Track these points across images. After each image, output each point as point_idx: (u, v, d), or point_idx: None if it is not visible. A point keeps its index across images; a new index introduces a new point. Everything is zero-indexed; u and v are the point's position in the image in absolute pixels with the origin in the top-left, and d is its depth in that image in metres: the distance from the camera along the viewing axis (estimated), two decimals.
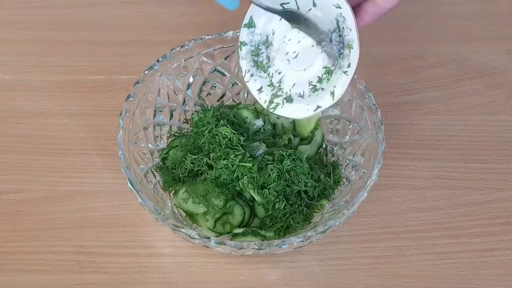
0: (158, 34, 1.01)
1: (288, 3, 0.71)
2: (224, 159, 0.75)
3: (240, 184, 0.75)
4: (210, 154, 0.77)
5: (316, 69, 0.72)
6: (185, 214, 0.77)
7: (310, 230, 0.69)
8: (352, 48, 0.69)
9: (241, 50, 0.76)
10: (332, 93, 0.71)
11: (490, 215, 0.82)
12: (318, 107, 0.73)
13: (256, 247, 0.67)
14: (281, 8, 0.71)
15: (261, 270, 0.78)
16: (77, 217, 0.81)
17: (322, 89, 0.72)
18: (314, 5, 0.70)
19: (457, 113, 0.92)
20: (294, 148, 0.81)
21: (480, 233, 0.81)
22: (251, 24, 0.75)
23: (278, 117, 0.83)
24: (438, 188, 0.85)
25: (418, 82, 0.96)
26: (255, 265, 0.78)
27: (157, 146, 0.82)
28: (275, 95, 0.76)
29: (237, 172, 0.75)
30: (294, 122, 0.83)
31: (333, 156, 0.83)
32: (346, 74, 0.70)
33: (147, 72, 0.79)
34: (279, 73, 0.76)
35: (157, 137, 0.82)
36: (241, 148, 0.76)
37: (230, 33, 0.82)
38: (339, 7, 0.68)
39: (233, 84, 0.87)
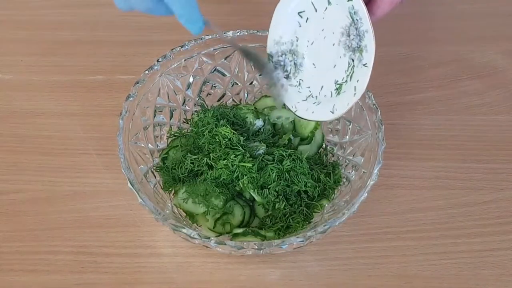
0: (158, 34, 1.01)
1: (304, 11, 0.74)
2: (224, 159, 0.75)
3: (240, 184, 0.75)
4: (210, 154, 0.77)
5: (340, 67, 0.73)
6: (185, 214, 0.77)
7: (310, 230, 0.69)
8: (366, 36, 0.69)
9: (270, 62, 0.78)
10: (355, 88, 0.71)
11: (490, 215, 0.82)
12: (347, 105, 0.72)
13: (256, 247, 0.67)
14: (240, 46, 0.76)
15: (261, 270, 0.78)
16: (77, 217, 0.81)
17: (347, 86, 0.72)
18: (329, 3, 0.71)
19: (457, 113, 0.92)
20: (294, 148, 0.81)
21: (480, 233, 0.81)
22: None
23: (279, 117, 0.83)
24: (438, 188, 0.85)
25: (418, 82, 0.96)
26: (255, 265, 0.78)
27: (157, 146, 0.82)
28: (305, 101, 0.76)
29: (237, 172, 0.75)
30: (294, 122, 0.83)
31: (333, 156, 0.83)
32: (366, 66, 0.70)
33: (147, 72, 0.79)
34: (307, 78, 0.77)
35: (157, 137, 0.83)
36: (241, 148, 0.76)
37: (230, 33, 0.82)
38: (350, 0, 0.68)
39: (233, 84, 0.87)
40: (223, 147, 0.76)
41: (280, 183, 0.75)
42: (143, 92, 0.79)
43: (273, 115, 0.84)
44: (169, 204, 0.77)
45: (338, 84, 0.73)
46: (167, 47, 0.82)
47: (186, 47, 0.81)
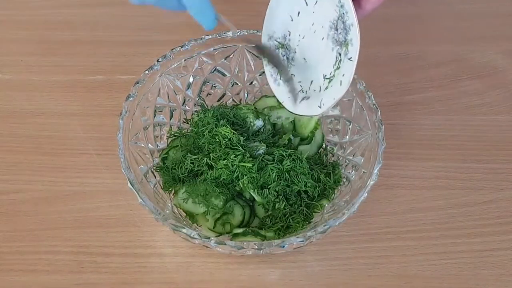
0: (158, 34, 1.01)
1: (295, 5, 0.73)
2: (224, 159, 0.75)
3: (240, 184, 0.75)
4: (210, 154, 0.77)
5: (329, 61, 0.73)
6: (185, 214, 0.77)
7: (310, 230, 0.69)
8: (352, 30, 0.68)
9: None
10: (341, 82, 0.71)
11: (490, 215, 0.82)
12: (333, 99, 0.72)
13: (256, 247, 0.67)
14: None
15: (261, 270, 0.78)
16: (77, 217, 0.81)
17: (334, 80, 0.72)
18: None
19: (457, 113, 0.92)
20: (294, 148, 0.81)
21: (480, 233, 0.81)
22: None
23: (279, 117, 0.83)
24: (438, 188, 0.85)
25: (418, 82, 0.96)
26: (255, 265, 0.78)
27: (157, 146, 0.82)
28: (297, 96, 0.77)
29: (237, 172, 0.75)
30: (294, 122, 0.83)
31: (333, 156, 0.83)
32: (351, 60, 0.69)
33: (147, 72, 0.79)
34: (298, 73, 0.77)
35: (157, 137, 0.82)
36: (241, 148, 0.76)
37: (230, 33, 0.82)
38: None
39: (233, 84, 0.87)
40: (223, 147, 0.76)
41: (280, 183, 0.75)
42: (143, 92, 0.79)
43: (273, 115, 0.84)
44: (169, 204, 0.77)
45: (326, 78, 0.73)
46: (167, 47, 0.82)
47: (186, 47, 0.81)
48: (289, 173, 0.76)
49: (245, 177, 0.74)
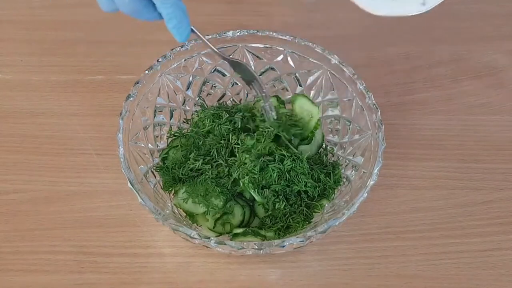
0: (158, 34, 1.01)
1: None
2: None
3: (241, 183, 0.75)
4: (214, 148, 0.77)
5: None
6: (185, 214, 0.77)
7: (310, 230, 0.69)
8: None
9: None
10: None
11: (490, 215, 0.82)
12: None
13: (256, 247, 0.67)
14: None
15: (261, 270, 0.78)
16: (77, 217, 0.81)
17: None
18: None
19: (457, 113, 0.92)
20: (295, 147, 0.81)
21: (480, 233, 0.81)
22: None
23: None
24: (438, 188, 0.85)
25: (418, 82, 0.96)
26: (255, 265, 0.78)
27: (157, 146, 0.82)
28: None
29: (237, 172, 0.75)
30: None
31: (333, 156, 0.83)
32: None
33: (147, 72, 0.79)
34: None
35: (157, 137, 0.83)
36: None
37: (230, 33, 0.82)
38: None
39: (233, 84, 0.87)
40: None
41: (280, 183, 0.75)
42: (143, 92, 0.79)
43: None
44: (169, 204, 0.77)
45: None
46: (167, 47, 0.82)
47: (186, 47, 0.81)
48: (289, 173, 0.76)
49: (246, 177, 0.74)
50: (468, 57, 0.99)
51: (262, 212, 0.78)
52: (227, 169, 0.76)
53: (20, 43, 1.00)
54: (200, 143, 0.80)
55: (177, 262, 0.78)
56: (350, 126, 0.81)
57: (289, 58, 0.84)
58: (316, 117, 0.81)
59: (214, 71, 0.85)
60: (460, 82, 0.96)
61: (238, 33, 0.82)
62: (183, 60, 0.82)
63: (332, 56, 0.81)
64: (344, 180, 0.79)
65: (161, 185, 0.79)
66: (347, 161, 0.80)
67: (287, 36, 0.82)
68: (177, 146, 0.81)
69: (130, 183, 0.70)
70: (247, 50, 0.84)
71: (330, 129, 0.85)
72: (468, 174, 0.86)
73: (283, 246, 0.68)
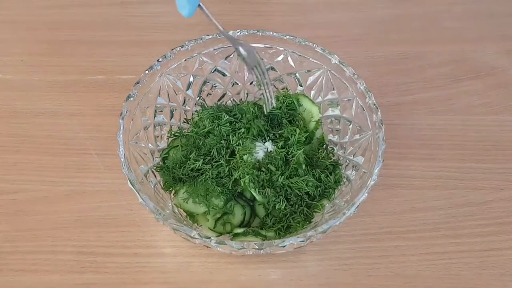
0: (158, 34, 1.01)
1: None
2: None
3: (242, 183, 0.75)
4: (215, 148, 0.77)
5: None
6: (185, 214, 0.77)
7: (311, 230, 0.69)
8: None
9: None
10: None
11: (490, 215, 0.82)
12: None
13: (257, 247, 0.67)
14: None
15: (261, 270, 0.78)
16: (77, 217, 0.81)
17: None
18: None
19: (457, 113, 0.92)
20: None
21: (480, 233, 0.81)
22: None
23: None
24: (438, 188, 0.85)
25: (418, 82, 0.96)
26: (256, 265, 0.78)
27: (158, 146, 0.82)
28: None
29: (238, 171, 0.75)
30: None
31: (333, 156, 0.83)
32: None
33: (147, 72, 0.79)
34: None
35: (157, 137, 0.82)
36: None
37: (230, 33, 0.82)
38: None
39: (233, 84, 0.87)
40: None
41: (282, 183, 0.76)
42: (143, 92, 0.79)
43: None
44: (170, 204, 0.77)
45: None
46: (167, 47, 0.82)
47: (186, 47, 0.81)
48: (290, 173, 0.76)
49: (246, 176, 0.74)
50: (468, 57, 0.99)
51: (263, 212, 0.78)
52: (227, 169, 0.76)
53: (20, 43, 1.00)
54: (201, 143, 0.80)
55: (177, 262, 0.78)
56: (351, 126, 0.81)
57: (289, 58, 0.84)
58: (316, 117, 0.81)
59: (214, 71, 0.85)
60: (460, 82, 0.96)
61: (238, 33, 0.82)
62: (183, 60, 0.82)
63: (333, 56, 0.81)
64: (345, 180, 0.79)
65: (162, 185, 0.79)
66: (347, 161, 0.80)
67: (287, 36, 0.82)
68: (178, 146, 0.81)
69: (131, 183, 0.70)
70: None
71: (330, 129, 0.85)
72: (468, 174, 0.86)
73: (284, 246, 0.68)
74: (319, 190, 0.77)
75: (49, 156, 0.87)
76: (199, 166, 0.77)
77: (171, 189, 0.79)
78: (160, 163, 0.81)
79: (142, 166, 0.76)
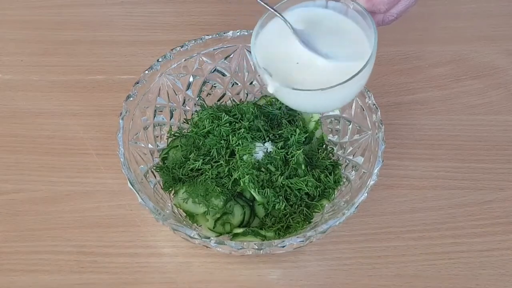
0: (158, 34, 1.01)
1: None
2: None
3: (241, 183, 0.75)
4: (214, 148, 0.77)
5: None
6: (185, 214, 0.77)
7: (310, 230, 0.69)
8: None
9: None
10: None
11: (490, 215, 0.82)
12: None
13: (256, 247, 0.67)
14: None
15: (261, 270, 0.78)
16: (77, 217, 0.81)
17: None
18: None
19: (457, 113, 0.92)
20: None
21: (480, 233, 0.81)
22: None
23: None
24: (438, 188, 0.85)
25: (418, 82, 0.96)
26: (255, 265, 0.78)
27: (157, 146, 0.82)
28: None
29: (238, 172, 0.75)
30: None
31: (332, 156, 0.83)
32: None
33: (147, 72, 0.79)
34: None
35: (157, 137, 0.83)
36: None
37: (230, 33, 0.82)
38: None
39: (233, 84, 0.87)
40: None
41: (281, 183, 0.76)
42: (143, 92, 0.79)
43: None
44: (169, 204, 0.77)
45: None
46: (167, 47, 0.82)
47: (186, 47, 0.81)
48: (290, 174, 0.76)
49: (246, 176, 0.74)
50: (468, 57, 0.99)
51: (262, 212, 0.78)
52: (227, 169, 0.76)
53: (20, 43, 1.00)
54: (200, 143, 0.80)
55: (177, 262, 0.78)
56: (350, 126, 0.81)
57: None
58: (316, 117, 0.81)
59: (214, 71, 0.85)
60: (460, 82, 0.96)
61: (238, 33, 0.82)
62: (183, 60, 0.82)
63: None
64: (344, 180, 0.79)
65: (161, 185, 0.79)
66: (347, 161, 0.80)
67: None
68: (177, 146, 0.81)
69: (130, 183, 0.70)
70: (247, 50, 0.84)
71: (330, 129, 0.85)
72: (468, 174, 0.86)
73: (283, 246, 0.68)
74: (319, 190, 0.77)
75: (49, 156, 0.87)
76: (198, 166, 0.77)
77: (170, 189, 0.79)
78: (160, 163, 0.81)
79: (142, 166, 0.76)
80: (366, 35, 0.67)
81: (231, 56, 0.84)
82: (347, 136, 0.82)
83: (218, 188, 0.75)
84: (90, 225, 0.81)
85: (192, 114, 0.86)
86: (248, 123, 0.79)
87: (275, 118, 0.83)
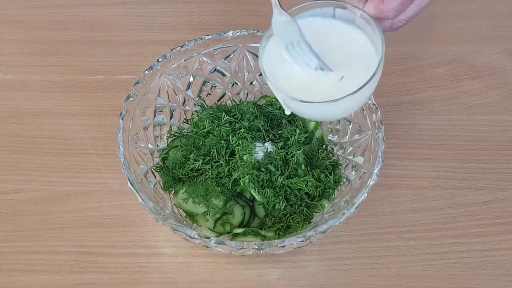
0: (158, 34, 1.01)
1: None
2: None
3: (241, 182, 0.75)
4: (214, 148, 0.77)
5: None
6: (185, 214, 0.77)
7: (310, 230, 0.69)
8: None
9: None
10: None
11: (490, 215, 0.82)
12: None
13: (256, 247, 0.67)
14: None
15: (261, 270, 0.78)
16: (77, 217, 0.81)
17: None
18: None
19: (457, 113, 0.92)
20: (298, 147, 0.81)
21: (480, 233, 0.81)
22: None
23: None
24: (438, 188, 0.85)
25: (418, 82, 0.96)
26: (255, 265, 0.78)
27: (157, 146, 0.82)
28: None
29: (238, 172, 0.75)
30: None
31: (333, 156, 0.83)
32: None
33: (147, 72, 0.79)
34: None
35: (157, 137, 0.83)
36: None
37: (230, 33, 0.82)
38: None
39: (233, 84, 0.87)
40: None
41: (281, 183, 0.76)
42: (143, 92, 0.79)
43: None
44: (169, 204, 0.77)
45: None
46: (167, 47, 0.82)
47: (186, 47, 0.81)
48: (290, 174, 0.76)
49: (246, 176, 0.74)
50: (468, 57, 0.99)
51: (262, 212, 0.78)
52: (227, 169, 0.76)
53: (20, 43, 1.00)
54: (200, 143, 0.80)
55: (177, 262, 0.78)
56: (350, 126, 0.81)
57: None
58: None
59: (214, 71, 0.85)
60: (460, 82, 0.96)
61: (238, 33, 0.82)
62: (183, 60, 0.82)
63: None
64: (344, 180, 0.79)
65: (161, 185, 0.79)
66: (347, 161, 0.80)
67: None
68: (177, 146, 0.81)
69: (130, 183, 0.70)
70: (247, 50, 0.84)
71: (330, 129, 0.85)
72: (468, 174, 0.86)
73: (283, 246, 0.68)
74: (319, 190, 0.77)
75: (49, 156, 0.87)
76: (198, 166, 0.77)
77: (170, 189, 0.79)
78: (160, 163, 0.81)
79: (142, 166, 0.76)
80: (374, 45, 0.66)
81: (231, 56, 0.85)
82: (347, 136, 0.82)
83: (218, 188, 0.75)
84: (90, 225, 0.81)
85: (192, 114, 0.86)
86: (248, 123, 0.79)
87: (275, 118, 0.83)
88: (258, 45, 0.81)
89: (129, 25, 1.02)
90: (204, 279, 0.77)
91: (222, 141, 0.78)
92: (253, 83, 0.88)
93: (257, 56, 0.84)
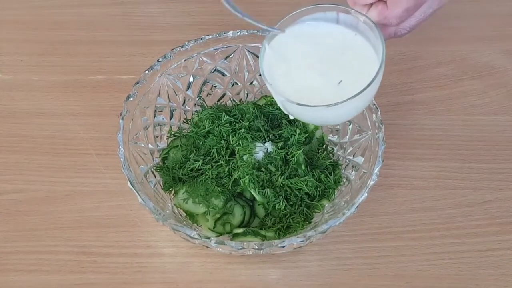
0: (158, 34, 1.01)
1: None
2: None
3: (241, 183, 0.75)
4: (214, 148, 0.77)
5: None
6: (185, 214, 0.77)
7: (310, 230, 0.69)
8: None
9: None
10: None
11: (490, 215, 0.82)
12: None
13: (256, 247, 0.67)
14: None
15: (261, 270, 0.78)
16: (77, 217, 0.81)
17: None
18: None
19: (457, 113, 0.92)
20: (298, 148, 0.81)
21: (480, 233, 0.81)
22: None
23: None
24: (438, 188, 0.85)
25: (418, 82, 0.96)
26: (255, 265, 0.78)
27: (157, 146, 0.82)
28: None
29: (238, 172, 0.75)
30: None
31: (333, 156, 0.83)
32: None
33: (147, 72, 0.79)
34: None
35: (157, 137, 0.83)
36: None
37: (230, 33, 0.82)
38: None
39: (233, 84, 0.87)
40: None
41: (281, 183, 0.76)
42: (143, 92, 0.79)
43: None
44: (169, 204, 0.77)
45: None
46: (167, 47, 0.82)
47: (186, 47, 0.81)
48: (290, 174, 0.76)
49: (246, 176, 0.74)
50: (468, 57, 0.99)
51: (262, 212, 0.78)
52: (227, 169, 0.76)
53: (20, 43, 1.00)
54: (200, 143, 0.80)
55: (177, 262, 0.78)
56: (350, 126, 0.81)
57: None
58: None
59: (214, 71, 0.85)
60: (460, 82, 0.96)
61: (238, 33, 0.82)
62: (183, 60, 0.82)
63: None
64: (344, 180, 0.79)
65: (161, 185, 0.79)
66: (347, 161, 0.80)
67: None
68: (177, 146, 0.81)
69: (130, 183, 0.70)
70: (247, 50, 0.84)
71: (330, 129, 0.85)
72: (468, 174, 0.86)
73: (283, 246, 0.68)
74: (319, 190, 0.77)
75: (49, 156, 0.87)
76: (199, 166, 0.77)
77: (171, 189, 0.79)
78: (160, 163, 0.81)
79: (142, 166, 0.76)
80: (376, 52, 0.66)
81: (231, 56, 0.85)
82: (347, 136, 0.82)
83: (218, 188, 0.75)
84: (90, 225, 0.81)
85: (192, 114, 0.86)
86: (248, 123, 0.79)
87: (275, 118, 0.83)
88: (258, 45, 0.82)
89: (129, 25, 1.02)
90: (204, 279, 0.77)
91: (222, 141, 0.78)
92: (253, 83, 0.88)
93: (257, 56, 0.84)
